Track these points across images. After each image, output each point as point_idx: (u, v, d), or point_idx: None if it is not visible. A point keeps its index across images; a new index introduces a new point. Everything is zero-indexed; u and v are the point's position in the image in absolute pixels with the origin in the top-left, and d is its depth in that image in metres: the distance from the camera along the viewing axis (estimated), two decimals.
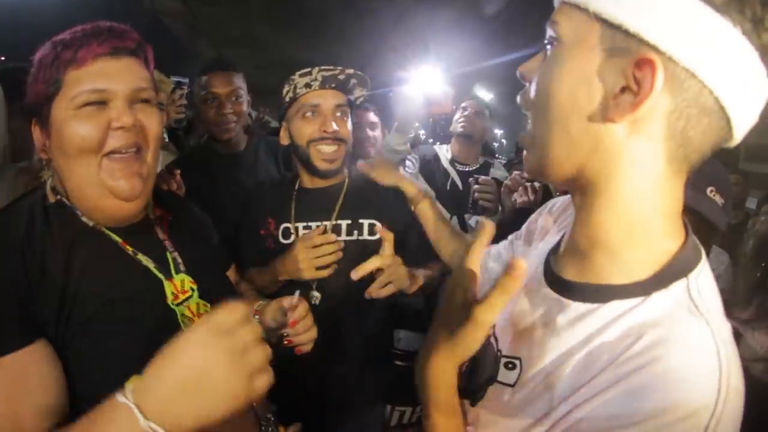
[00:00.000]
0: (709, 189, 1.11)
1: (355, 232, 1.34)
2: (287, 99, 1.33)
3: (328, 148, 1.30)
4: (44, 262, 0.70)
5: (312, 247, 1.23)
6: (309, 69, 1.28)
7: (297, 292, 0.96)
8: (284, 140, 1.40)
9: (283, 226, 1.37)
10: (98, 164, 0.72)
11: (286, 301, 0.95)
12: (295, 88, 1.31)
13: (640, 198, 0.50)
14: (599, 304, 0.53)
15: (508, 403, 0.60)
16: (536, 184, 1.67)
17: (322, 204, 1.37)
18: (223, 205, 1.45)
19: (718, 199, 1.12)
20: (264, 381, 0.57)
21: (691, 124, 0.46)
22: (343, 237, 1.33)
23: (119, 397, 0.53)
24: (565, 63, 0.49)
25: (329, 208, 1.36)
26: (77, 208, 0.77)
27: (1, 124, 1.31)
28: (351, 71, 1.30)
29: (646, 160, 0.48)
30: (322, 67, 1.29)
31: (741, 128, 0.48)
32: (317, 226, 1.34)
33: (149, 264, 0.81)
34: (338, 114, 1.32)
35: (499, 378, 0.63)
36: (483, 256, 0.76)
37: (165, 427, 0.52)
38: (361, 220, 1.35)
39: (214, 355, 0.53)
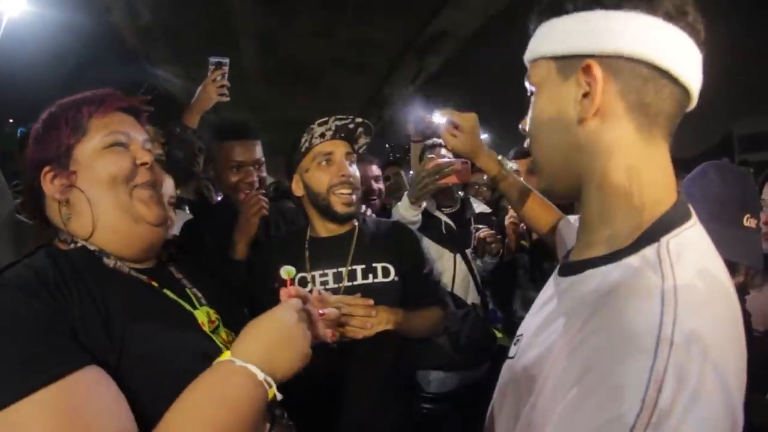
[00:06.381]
0: (745, 217, 1.14)
1: (370, 275, 1.38)
2: (303, 148, 1.38)
3: (346, 192, 1.36)
4: (82, 303, 0.70)
5: (346, 312, 1.25)
6: (326, 119, 1.34)
7: (313, 290, 1.06)
8: (298, 191, 1.43)
9: (298, 276, 1.37)
10: (129, 193, 0.81)
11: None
12: (312, 137, 1.36)
13: (621, 177, 0.59)
14: (577, 276, 0.62)
15: (509, 376, 0.69)
16: None
17: (336, 251, 1.40)
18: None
19: (753, 223, 1.14)
20: (310, 353, 0.74)
21: (641, 93, 0.57)
22: (359, 281, 1.37)
23: (237, 362, 0.65)
24: (541, 98, 0.64)
25: (343, 254, 1.39)
26: (101, 250, 0.80)
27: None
28: (360, 120, 1.37)
29: (619, 137, 0.58)
30: (337, 117, 1.34)
31: (686, 77, 0.57)
32: (333, 273, 1.38)
33: (176, 297, 0.85)
34: (348, 162, 1.39)
35: (509, 354, 0.73)
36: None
37: (271, 376, 0.66)
38: (374, 264, 1.39)
39: (295, 322, 0.72)
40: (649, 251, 0.55)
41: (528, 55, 0.66)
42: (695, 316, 0.48)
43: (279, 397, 0.67)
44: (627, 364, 0.46)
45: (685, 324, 0.47)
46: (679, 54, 0.56)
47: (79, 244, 0.79)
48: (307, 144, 1.37)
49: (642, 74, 0.56)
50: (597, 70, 0.56)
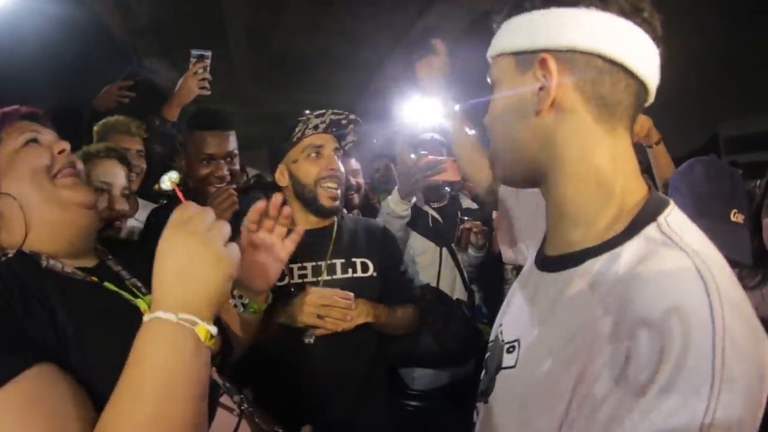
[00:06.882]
0: (732, 212, 1.13)
1: (350, 270, 1.38)
2: (295, 138, 1.35)
3: (333, 186, 1.36)
4: (26, 304, 0.71)
5: (325, 303, 1.25)
6: (323, 111, 1.33)
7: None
8: (282, 181, 1.40)
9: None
10: (52, 182, 0.83)
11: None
12: (306, 128, 1.33)
13: (586, 166, 0.60)
14: (575, 268, 0.61)
15: (515, 385, 0.65)
16: None
17: (316, 245, 1.38)
18: None
19: (740, 219, 1.14)
20: (235, 248, 0.66)
21: (597, 85, 0.58)
22: (339, 275, 1.37)
23: (144, 320, 0.60)
24: (501, 91, 0.66)
25: (322, 248, 1.38)
26: (35, 252, 0.81)
27: None
28: (353, 117, 1.36)
29: (577, 129, 0.59)
30: (333, 111, 1.34)
31: (642, 70, 0.58)
32: (312, 266, 1.37)
33: (116, 289, 0.85)
34: (335, 157, 1.38)
35: (504, 364, 0.69)
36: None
37: (190, 313, 0.60)
38: (353, 259, 1.39)
39: (184, 240, 0.62)
40: (650, 231, 0.56)
41: (490, 52, 0.68)
42: (726, 279, 0.50)
43: (214, 331, 0.61)
44: (692, 344, 0.45)
45: (725, 289, 0.48)
46: (634, 48, 0.58)
47: (12, 253, 0.80)
48: (299, 134, 1.34)
49: (597, 66, 0.57)
50: (552, 64, 0.58)
